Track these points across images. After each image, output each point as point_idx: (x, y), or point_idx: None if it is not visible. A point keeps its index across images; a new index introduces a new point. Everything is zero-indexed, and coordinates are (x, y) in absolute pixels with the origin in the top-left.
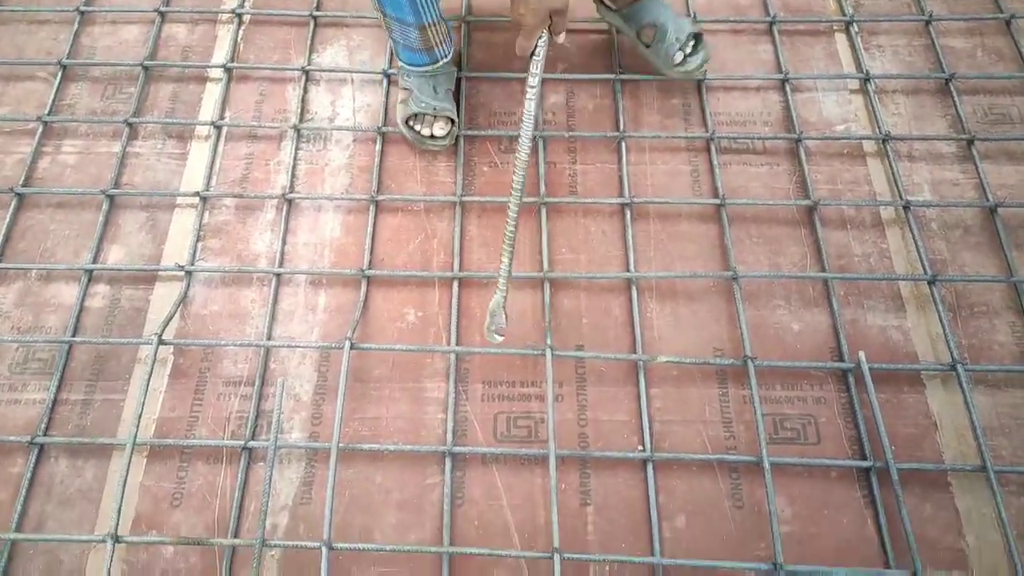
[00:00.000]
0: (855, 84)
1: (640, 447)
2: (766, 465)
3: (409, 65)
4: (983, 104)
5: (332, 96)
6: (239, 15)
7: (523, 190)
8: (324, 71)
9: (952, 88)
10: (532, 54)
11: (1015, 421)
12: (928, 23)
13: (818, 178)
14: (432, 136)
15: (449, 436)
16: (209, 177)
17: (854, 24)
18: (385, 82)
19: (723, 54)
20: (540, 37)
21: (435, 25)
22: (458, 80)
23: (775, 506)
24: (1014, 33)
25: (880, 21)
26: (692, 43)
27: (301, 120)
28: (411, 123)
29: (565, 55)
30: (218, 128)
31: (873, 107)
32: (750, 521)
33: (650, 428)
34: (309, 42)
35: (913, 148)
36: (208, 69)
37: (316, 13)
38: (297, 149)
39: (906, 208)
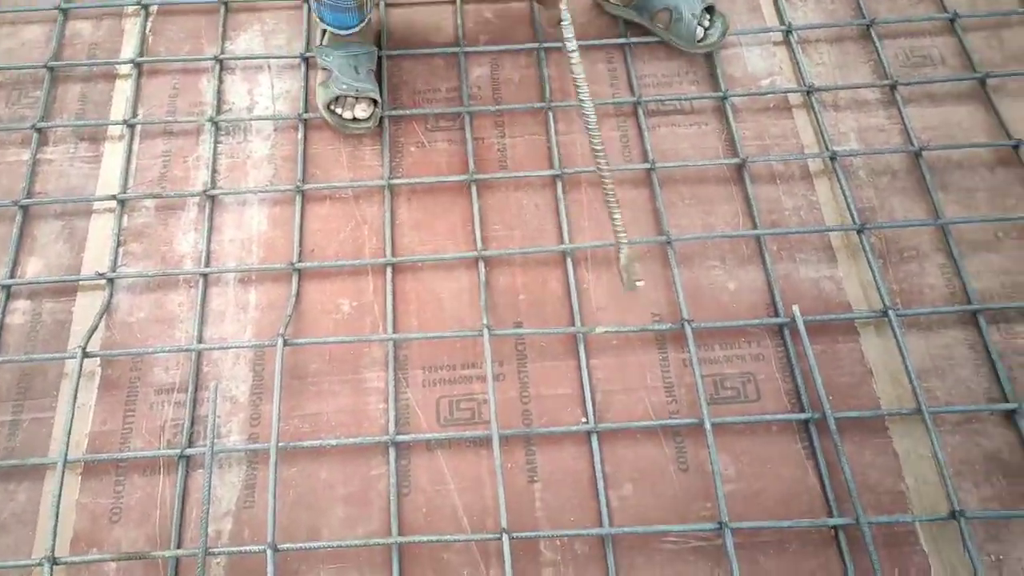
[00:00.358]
0: (779, 36)
1: (583, 419)
2: (707, 426)
3: (336, 28)
4: (904, 47)
5: (249, 84)
6: (145, 6)
7: (604, 150)
8: (239, 59)
9: (873, 33)
10: (559, 22)
11: (948, 362)
12: None
13: (746, 135)
14: (355, 119)
15: (391, 425)
16: (125, 179)
17: None
18: (303, 66)
19: None
20: (563, 7)
21: None
22: (379, 59)
23: (718, 466)
24: None
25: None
26: (708, 17)
27: (218, 112)
28: (332, 107)
29: (487, 26)
30: (131, 127)
31: (797, 59)
32: (695, 483)
33: (592, 399)
34: (221, 29)
35: (838, 97)
36: (117, 66)
37: None
38: (216, 143)
39: (832, 158)
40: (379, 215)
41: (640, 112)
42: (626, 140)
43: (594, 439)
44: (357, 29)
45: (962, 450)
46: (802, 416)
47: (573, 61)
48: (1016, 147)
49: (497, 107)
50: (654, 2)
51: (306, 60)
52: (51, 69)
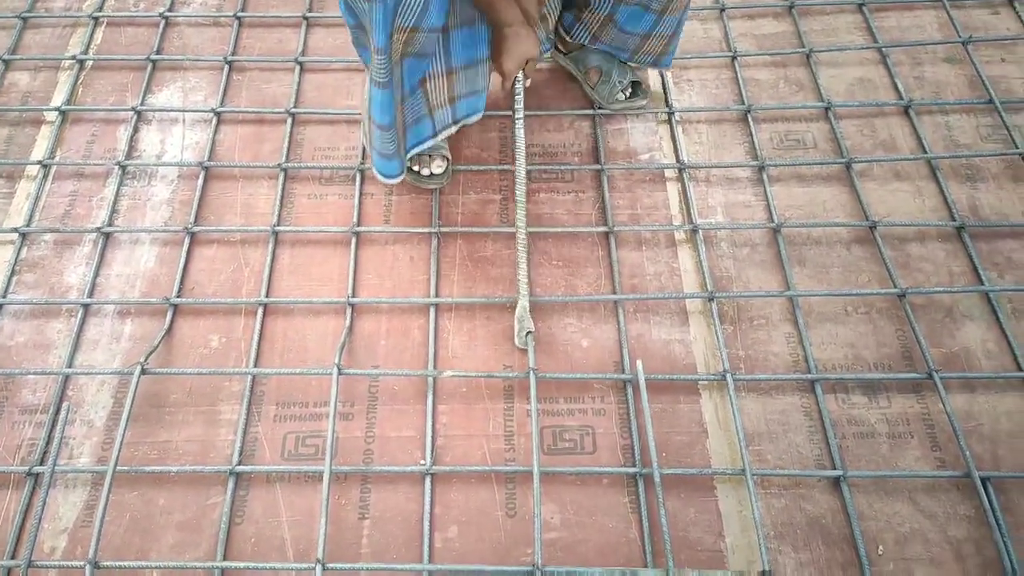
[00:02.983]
0: (663, 116)
1: (422, 461)
2: (535, 473)
3: (383, 176)
4: (780, 131)
5: (162, 135)
6: (80, 61)
7: (525, 205)
8: (156, 111)
9: (750, 118)
10: (513, 93)
11: (782, 427)
12: (734, 59)
13: (620, 203)
14: (431, 175)
15: (235, 456)
16: (32, 214)
17: None
18: (215, 120)
19: (541, 91)
20: (517, 80)
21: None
22: (293, 118)
23: (540, 513)
24: (813, 65)
25: (690, 58)
26: (631, 89)
27: (127, 158)
28: (408, 164)
29: None
30: (45, 167)
31: (675, 137)
32: (520, 529)
33: (433, 442)
34: (145, 84)
35: (711, 174)
36: (44, 112)
37: (155, 57)
38: (121, 185)
39: (694, 230)
40: (261, 259)
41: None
42: (505, 204)
43: (427, 480)
44: (399, 179)
45: (786, 513)
46: (631, 470)
47: (517, 128)
48: (873, 227)
49: None
50: (589, 60)
51: (218, 115)
52: None
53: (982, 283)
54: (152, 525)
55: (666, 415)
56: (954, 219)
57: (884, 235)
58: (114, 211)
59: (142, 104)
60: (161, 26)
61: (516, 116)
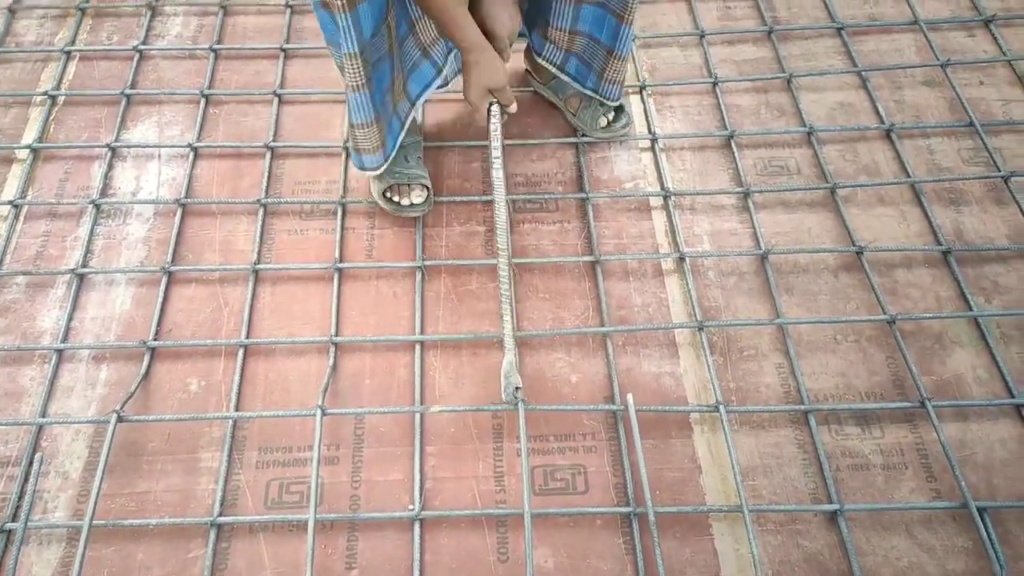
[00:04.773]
0: (646, 143)
1: (411, 506)
2: (526, 516)
3: (361, 168)
4: (763, 157)
5: (138, 171)
6: (52, 96)
7: (510, 252)
8: (131, 147)
9: (733, 144)
10: (488, 125)
11: (776, 460)
12: (715, 85)
13: (605, 233)
14: (412, 204)
15: (217, 506)
16: (3, 256)
17: (647, 88)
18: (192, 155)
19: (523, 119)
20: (491, 111)
21: (367, 127)
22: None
23: (531, 557)
24: (794, 91)
25: (671, 85)
26: (613, 113)
27: (102, 195)
28: (388, 194)
29: None
30: (16, 207)
31: (659, 165)
32: (513, 573)
33: (422, 486)
34: (119, 119)
35: (696, 201)
36: (15, 150)
37: (129, 91)
38: (95, 224)
39: (681, 259)
40: (241, 299)
41: (508, 209)
42: (490, 235)
43: (416, 526)
44: (380, 171)
45: (783, 551)
46: (624, 510)
47: (495, 167)
48: (860, 253)
49: (370, 200)
50: (568, 88)
51: (195, 150)
52: None
53: (970, 308)
54: None
55: (658, 451)
56: (940, 243)
57: (871, 261)
58: (88, 251)
59: (116, 140)
60: (135, 60)
61: (493, 156)
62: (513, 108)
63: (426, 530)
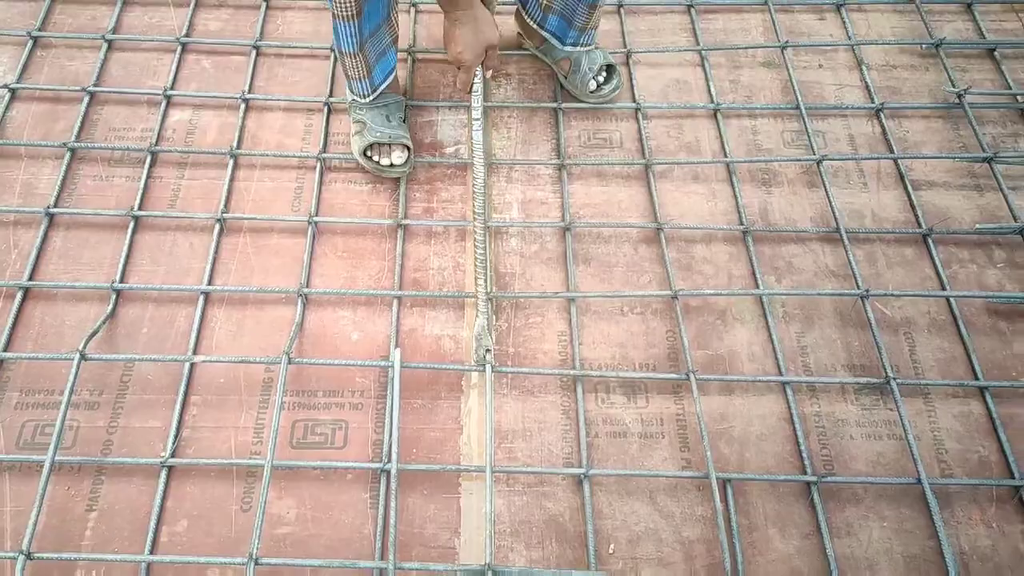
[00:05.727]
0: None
1: (163, 453)
2: (266, 467)
3: (355, 95)
4: (589, 129)
5: None
6: None
7: (485, 215)
8: None
9: (560, 115)
10: (471, 89)
11: (538, 425)
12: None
13: (417, 196)
14: (392, 164)
15: None
16: None
17: None
18: (8, 96)
19: None
20: (477, 73)
21: (353, 56)
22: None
23: (264, 505)
24: (631, 66)
25: (511, 55)
26: (604, 73)
27: None
28: (368, 153)
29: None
30: None
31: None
32: (251, 524)
33: (177, 434)
34: None
35: (513, 170)
36: None
37: None
38: None
39: (485, 228)
40: (32, 241)
41: (318, 167)
42: (300, 192)
43: (162, 473)
44: (368, 99)
45: (525, 511)
46: (374, 465)
47: (475, 128)
48: (659, 229)
49: (183, 148)
50: (557, 52)
51: (12, 91)
52: None
53: (758, 286)
54: None
55: (425, 411)
56: (742, 223)
57: (672, 236)
58: None
59: None
60: None
61: (474, 117)
62: (490, 73)
63: (174, 477)
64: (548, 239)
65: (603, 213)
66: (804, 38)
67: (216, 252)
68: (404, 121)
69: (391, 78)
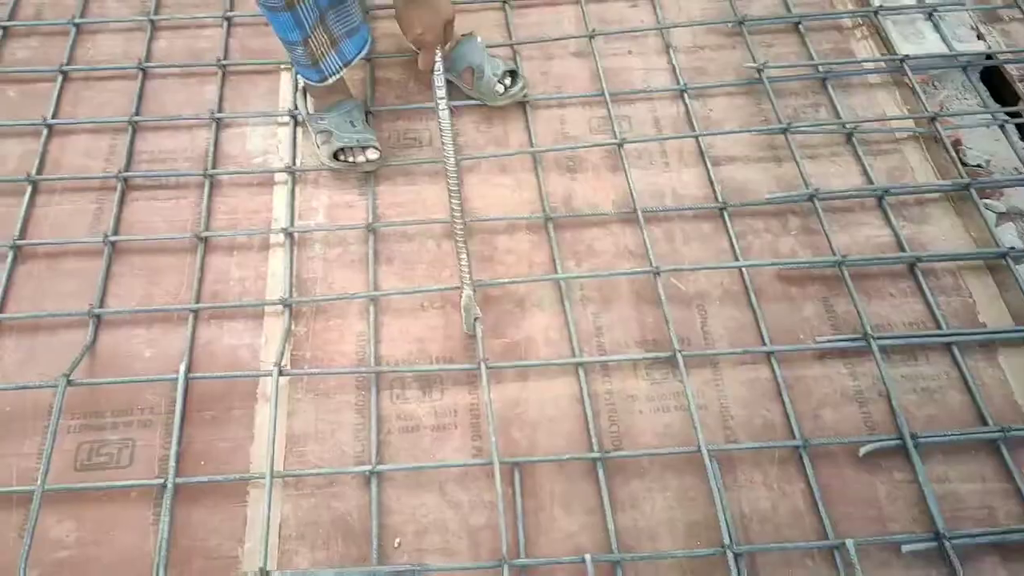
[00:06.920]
0: (286, 119)
1: None
2: (37, 493)
3: (307, 80)
4: (400, 129)
5: None
6: None
7: (460, 194)
8: None
9: (371, 119)
10: (433, 69)
11: (332, 426)
12: (368, 60)
13: (221, 208)
14: (368, 160)
15: None
16: None
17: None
18: None
19: (164, 96)
20: (438, 52)
21: (316, 35)
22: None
23: (33, 532)
24: None
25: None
26: (509, 78)
27: None
28: (340, 156)
29: None
30: None
31: (295, 139)
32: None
33: None
34: None
35: (320, 175)
36: None
37: None
38: None
39: (289, 234)
40: None
41: (119, 187)
42: (100, 212)
43: None
44: (327, 83)
45: (313, 513)
46: (152, 482)
47: (440, 107)
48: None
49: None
50: (459, 63)
51: None
52: None
53: (556, 272)
54: None
55: (217, 423)
56: (544, 211)
57: (476, 229)
58: None
59: None
60: None
61: (439, 97)
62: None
63: None
64: (351, 242)
65: (410, 212)
66: (615, 26)
67: (9, 279)
68: (367, 123)
69: (365, 50)
